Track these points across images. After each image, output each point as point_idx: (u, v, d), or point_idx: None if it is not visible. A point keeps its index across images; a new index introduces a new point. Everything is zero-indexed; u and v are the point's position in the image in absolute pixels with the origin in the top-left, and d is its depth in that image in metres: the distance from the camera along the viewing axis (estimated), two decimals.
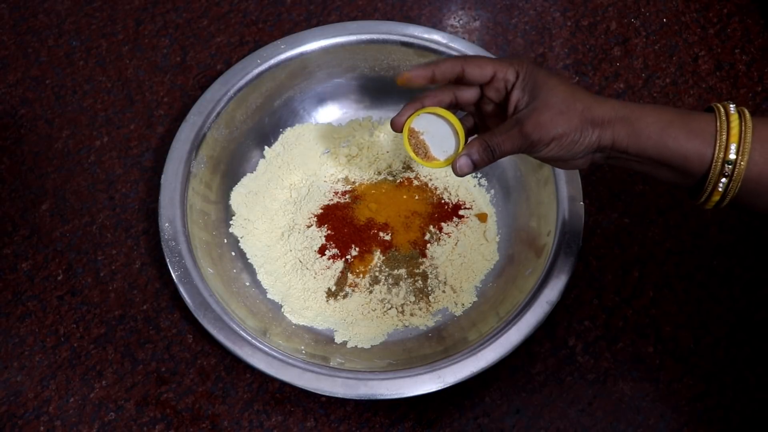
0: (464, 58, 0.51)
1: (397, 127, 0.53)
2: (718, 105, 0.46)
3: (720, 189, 0.45)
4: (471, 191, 0.69)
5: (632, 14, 0.78)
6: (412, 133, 0.53)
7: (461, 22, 0.78)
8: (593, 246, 0.65)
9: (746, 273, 0.64)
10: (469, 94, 0.52)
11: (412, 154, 0.53)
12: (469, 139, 0.54)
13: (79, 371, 0.61)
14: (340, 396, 0.55)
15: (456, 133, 0.52)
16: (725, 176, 0.44)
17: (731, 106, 0.45)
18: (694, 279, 0.64)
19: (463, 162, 0.50)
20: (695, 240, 0.65)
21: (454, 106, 0.53)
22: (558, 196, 0.62)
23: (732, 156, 0.44)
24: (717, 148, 0.44)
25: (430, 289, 0.64)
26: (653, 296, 0.63)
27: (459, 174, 0.51)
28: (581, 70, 0.74)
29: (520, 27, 0.77)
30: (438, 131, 0.52)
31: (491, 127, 0.53)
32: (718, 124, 0.45)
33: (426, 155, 0.53)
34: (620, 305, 0.63)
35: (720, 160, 0.44)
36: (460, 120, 0.53)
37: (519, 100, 0.49)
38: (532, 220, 0.65)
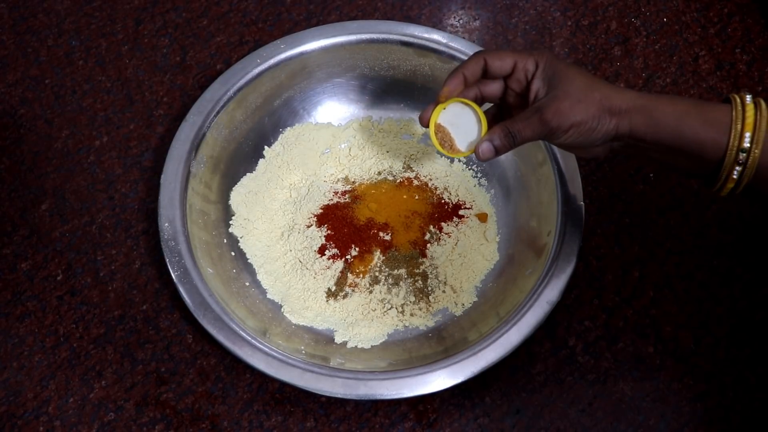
0: (485, 52, 0.53)
1: (424, 122, 0.55)
2: (735, 95, 0.47)
3: (734, 176, 0.46)
4: (471, 191, 0.69)
5: (632, 14, 0.78)
6: (439, 128, 0.55)
7: (461, 21, 0.78)
8: (593, 246, 0.65)
9: (746, 273, 0.64)
10: (493, 88, 0.54)
11: (439, 147, 0.56)
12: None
13: (78, 371, 0.61)
14: (340, 396, 0.55)
15: (479, 121, 0.54)
16: (739, 164, 0.46)
17: (747, 96, 0.47)
18: (694, 279, 0.63)
19: (485, 147, 0.52)
20: (695, 240, 0.65)
21: (479, 101, 0.55)
22: (558, 196, 0.61)
23: (746, 144, 0.45)
24: (732, 136, 0.46)
25: (430, 289, 0.64)
26: (653, 296, 0.63)
27: (481, 159, 0.53)
28: None
29: (521, 27, 0.77)
30: (462, 122, 0.55)
31: (514, 113, 0.55)
32: (733, 113, 0.46)
33: (451, 147, 0.56)
34: (620, 305, 0.63)
35: (734, 149, 0.46)
36: (484, 110, 0.55)
37: (539, 89, 0.50)
38: (532, 220, 0.65)
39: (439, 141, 0.55)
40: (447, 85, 0.53)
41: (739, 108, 0.46)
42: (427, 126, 0.55)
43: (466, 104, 0.54)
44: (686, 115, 0.47)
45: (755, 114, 0.46)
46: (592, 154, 0.51)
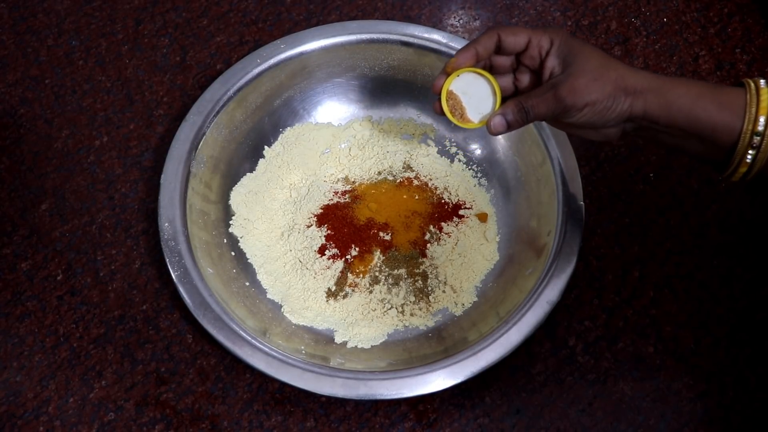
0: (499, 27, 0.52)
1: (436, 89, 0.54)
2: (749, 80, 0.47)
3: (748, 160, 0.46)
4: (471, 191, 0.69)
5: (632, 14, 0.78)
6: (450, 95, 0.54)
7: (461, 21, 0.78)
8: (593, 246, 0.65)
9: (747, 273, 0.64)
10: (503, 60, 0.53)
11: (449, 116, 0.54)
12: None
13: (78, 371, 0.61)
14: (340, 396, 0.55)
15: (493, 93, 0.53)
16: (753, 148, 0.46)
17: (762, 81, 0.47)
18: (694, 279, 0.63)
19: (498, 121, 0.52)
20: (696, 240, 0.65)
21: (489, 70, 0.54)
22: (558, 196, 0.61)
23: (761, 128, 0.45)
24: (746, 120, 0.46)
25: (430, 289, 0.64)
26: (653, 296, 0.63)
27: (493, 132, 0.52)
28: None
29: None
30: (476, 92, 0.53)
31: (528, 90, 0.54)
32: (748, 97, 0.46)
33: (462, 117, 0.54)
34: (620, 305, 0.63)
35: (749, 132, 0.46)
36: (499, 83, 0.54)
37: (554, 66, 0.50)
38: (532, 220, 0.65)
39: (450, 109, 0.54)
40: (458, 56, 0.52)
41: (753, 92, 0.46)
42: (438, 93, 0.54)
43: (481, 74, 0.52)
44: (701, 97, 0.47)
45: None
46: (604, 136, 0.51)
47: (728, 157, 0.47)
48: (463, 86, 0.53)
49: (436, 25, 0.77)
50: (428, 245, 0.66)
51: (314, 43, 0.68)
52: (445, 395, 0.59)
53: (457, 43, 0.68)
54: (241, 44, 0.76)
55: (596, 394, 0.59)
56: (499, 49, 0.52)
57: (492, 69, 0.54)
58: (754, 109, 0.46)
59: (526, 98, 0.50)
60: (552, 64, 0.50)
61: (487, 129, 0.52)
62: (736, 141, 0.46)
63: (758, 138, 0.46)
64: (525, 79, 0.53)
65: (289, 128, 0.71)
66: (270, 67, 0.68)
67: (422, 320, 0.63)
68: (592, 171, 0.68)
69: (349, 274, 0.65)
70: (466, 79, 0.53)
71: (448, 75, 0.53)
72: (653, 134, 0.49)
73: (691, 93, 0.47)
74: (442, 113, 0.54)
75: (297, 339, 0.60)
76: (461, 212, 0.67)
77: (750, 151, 0.46)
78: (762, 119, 0.45)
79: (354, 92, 0.72)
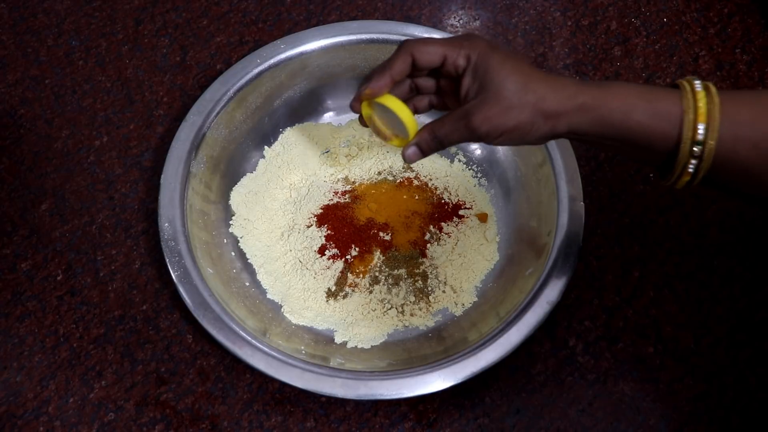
0: (412, 45, 0.49)
1: (354, 110, 0.53)
2: (684, 82, 0.44)
3: (690, 170, 0.43)
4: (471, 191, 0.69)
5: (633, 14, 0.78)
6: (370, 120, 0.54)
7: (461, 21, 0.78)
8: (593, 246, 0.65)
9: (747, 273, 0.64)
10: (428, 83, 0.52)
11: (376, 134, 0.54)
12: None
13: (78, 371, 0.61)
14: (340, 396, 0.55)
15: (407, 121, 0.51)
16: (695, 157, 0.43)
17: (697, 82, 0.43)
18: (694, 279, 0.63)
19: (412, 151, 0.51)
20: (695, 240, 0.65)
21: (413, 93, 0.53)
22: (558, 196, 0.61)
23: (700, 137, 0.42)
24: (684, 129, 0.42)
25: (430, 289, 0.64)
26: (653, 296, 0.63)
27: (407, 162, 0.51)
28: (581, 69, 0.74)
29: (521, 26, 0.77)
30: (392, 116, 0.52)
31: (449, 104, 0.53)
32: (684, 103, 0.43)
33: (385, 137, 0.54)
34: (620, 305, 0.63)
35: (688, 141, 0.42)
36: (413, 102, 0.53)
37: (469, 87, 0.47)
38: (532, 220, 0.65)
39: (374, 130, 0.54)
40: (371, 85, 0.50)
41: (690, 97, 0.43)
42: (357, 113, 0.54)
43: (392, 103, 0.51)
44: (633, 109, 0.43)
45: (707, 103, 0.42)
46: (527, 144, 0.49)
47: (670, 164, 0.44)
48: (380, 112, 0.53)
49: (436, 25, 0.77)
50: (428, 245, 0.66)
51: (314, 43, 0.68)
52: (445, 395, 0.59)
53: None
54: (241, 44, 0.76)
55: (596, 394, 0.59)
56: (415, 67, 0.50)
57: (419, 90, 0.53)
58: (691, 116, 0.42)
59: (440, 126, 0.48)
60: (467, 84, 0.47)
61: (403, 158, 0.51)
62: (674, 150, 0.43)
63: (699, 147, 0.42)
64: (446, 88, 0.52)
65: (289, 128, 0.71)
66: (270, 67, 0.68)
67: (422, 320, 0.63)
68: (592, 171, 0.68)
69: (349, 274, 0.65)
70: (380, 107, 0.52)
71: (361, 100, 0.52)
72: (585, 142, 0.47)
73: (623, 105, 0.44)
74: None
75: (297, 339, 0.60)
76: (461, 212, 0.67)
77: (692, 161, 0.43)
78: (701, 127, 0.42)
79: (354, 92, 0.72)
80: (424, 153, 0.50)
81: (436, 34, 0.68)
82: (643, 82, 0.73)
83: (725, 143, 0.42)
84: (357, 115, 0.72)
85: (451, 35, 0.68)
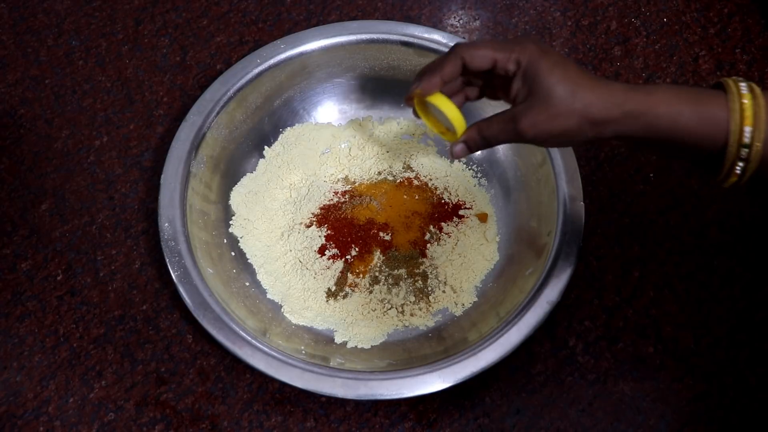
0: (464, 48, 0.50)
1: (408, 105, 0.55)
2: (729, 82, 0.44)
3: (737, 171, 0.44)
4: (471, 191, 0.69)
5: (632, 14, 0.78)
6: (422, 113, 0.56)
7: (461, 21, 0.78)
8: (593, 246, 0.65)
9: (747, 273, 0.64)
10: (479, 76, 0.53)
11: (429, 125, 0.57)
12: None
13: (78, 371, 0.61)
14: (340, 396, 0.55)
15: (455, 120, 0.53)
16: (741, 159, 0.44)
17: (742, 84, 0.44)
18: (694, 279, 0.63)
19: (459, 148, 0.53)
20: (695, 240, 0.65)
21: (466, 83, 0.55)
22: (558, 196, 0.61)
23: (747, 140, 0.43)
24: (732, 133, 0.43)
25: (430, 289, 0.64)
26: (654, 296, 0.63)
27: (455, 157, 0.53)
28: None
29: (521, 26, 0.77)
30: (441, 113, 0.54)
31: (500, 96, 0.54)
32: (730, 106, 0.43)
33: (436, 129, 0.57)
34: (620, 305, 0.63)
35: (735, 145, 0.43)
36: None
37: (519, 90, 0.49)
38: (532, 220, 0.65)
39: (427, 124, 0.57)
40: (422, 85, 0.51)
41: (736, 99, 0.43)
42: (410, 107, 0.56)
43: (443, 103, 0.52)
44: (679, 115, 0.44)
45: (753, 105, 0.43)
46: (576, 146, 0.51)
47: (717, 164, 0.45)
48: (431, 108, 0.55)
49: (436, 25, 0.77)
50: (428, 245, 0.66)
51: (314, 43, 0.68)
52: (445, 395, 0.59)
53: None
54: (241, 44, 0.76)
55: (596, 394, 0.59)
56: (465, 70, 0.51)
57: (469, 81, 0.54)
58: (738, 120, 0.43)
59: (487, 126, 0.50)
60: (517, 87, 0.48)
61: (450, 154, 0.53)
62: (721, 151, 0.44)
63: (746, 150, 0.43)
64: (497, 82, 0.52)
65: (289, 128, 0.71)
66: (270, 67, 0.68)
67: (422, 320, 0.63)
68: (592, 171, 0.68)
69: (349, 274, 0.65)
70: (432, 104, 0.53)
71: (412, 97, 0.54)
72: (630, 145, 0.48)
73: (670, 112, 0.44)
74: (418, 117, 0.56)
75: (297, 339, 0.60)
76: (461, 212, 0.67)
77: (739, 163, 0.44)
78: (747, 131, 0.43)
79: (354, 92, 0.72)
80: (471, 150, 0.52)
81: (437, 34, 0.68)
82: (643, 83, 0.73)
83: None
84: (356, 116, 0.73)
85: (454, 35, 0.68)
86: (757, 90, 0.44)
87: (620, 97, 0.45)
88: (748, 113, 0.43)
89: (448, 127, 0.56)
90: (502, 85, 0.52)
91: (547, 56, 0.47)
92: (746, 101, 0.43)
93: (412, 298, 0.64)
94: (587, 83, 0.46)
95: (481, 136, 0.51)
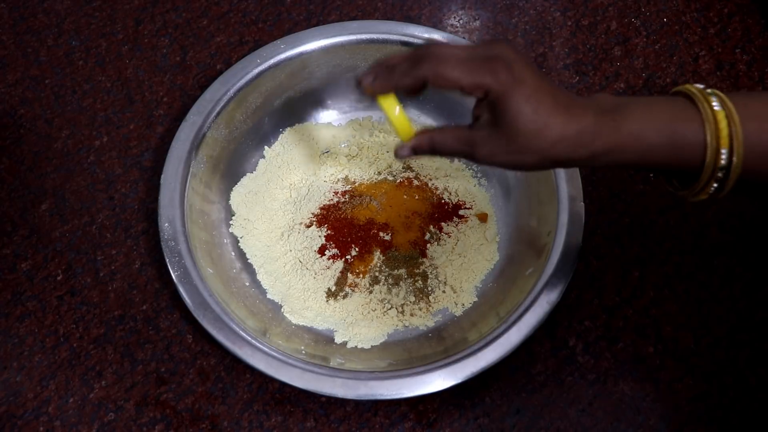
0: (430, 67, 0.44)
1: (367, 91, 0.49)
2: (696, 93, 0.43)
3: (711, 191, 0.44)
4: (471, 191, 0.69)
5: (633, 14, 0.78)
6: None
7: (461, 21, 0.78)
8: (593, 246, 0.65)
9: (747, 273, 0.64)
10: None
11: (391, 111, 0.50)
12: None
13: (78, 371, 0.61)
14: (340, 396, 0.55)
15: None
16: (717, 180, 0.43)
17: (714, 100, 0.42)
18: (694, 279, 0.63)
19: (405, 151, 0.48)
20: (696, 240, 0.65)
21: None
22: (558, 196, 0.61)
23: (723, 162, 0.42)
24: (708, 157, 0.42)
25: (430, 289, 0.64)
26: (654, 296, 0.63)
27: (398, 158, 0.49)
28: (581, 69, 0.74)
29: (521, 26, 0.77)
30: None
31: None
32: (706, 129, 0.42)
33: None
34: (620, 305, 0.63)
35: (710, 168, 0.42)
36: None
37: (482, 114, 0.45)
38: (532, 220, 0.65)
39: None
40: (374, 84, 0.47)
41: (711, 121, 0.42)
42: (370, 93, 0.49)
43: (384, 110, 0.49)
44: (652, 150, 0.43)
45: (728, 125, 0.41)
46: None
47: (690, 180, 0.44)
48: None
49: (436, 25, 0.77)
50: (428, 245, 0.66)
51: (314, 43, 0.68)
52: (445, 395, 0.59)
53: (457, 43, 0.67)
54: (241, 44, 0.76)
55: (596, 394, 0.59)
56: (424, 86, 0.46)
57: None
58: (714, 143, 0.41)
59: (442, 140, 0.47)
60: (481, 111, 0.45)
61: (395, 154, 0.49)
62: (696, 172, 0.43)
63: (722, 172, 0.42)
64: None
65: (289, 128, 0.71)
66: (270, 67, 0.68)
67: (422, 320, 0.63)
68: (592, 171, 0.68)
69: (349, 274, 0.65)
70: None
71: (372, 70, 0.48)
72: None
73: (641, 146, 0.42)
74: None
75: (297, 339, 0.60)
76: (461, 212, 0.67)
77: (714, 184, 0.43)
78: (724, 152, 0.41)
79: (354, 92, 0.72)
80: (416, 155, 0.49)
81: (436, 35, 0.68)
82: (643, 83, 0.73)
83: (750, 161, 0.42)
84: (356, 116, 0.73)
85: (454, 35, 0.68)
86: (730, 105, 0.42)
87: (588, 136, 0.43)
88: (724, 133, 0.41)
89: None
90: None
91: (521, 87, 0.43)
92: (720, 120, 0.42)
93: (412, 298, 0.64)
94: (558, 120, 0.43)
95: (431, 147, 0.47)
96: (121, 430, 0.59)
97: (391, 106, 0.49)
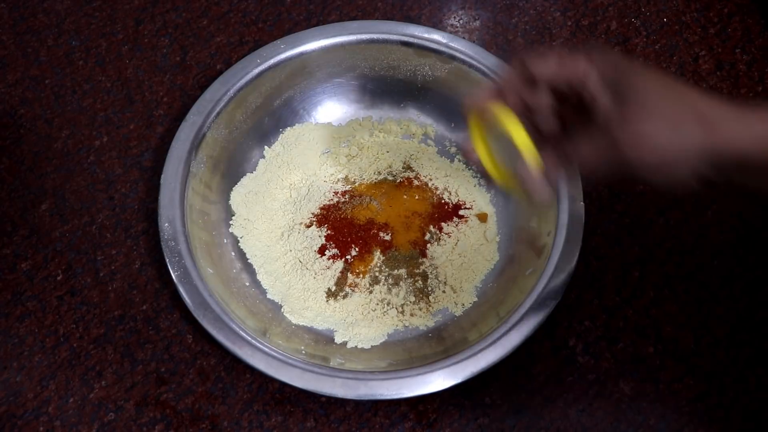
0: (524, 55, 0.42)
1: (467, 109, 0.46)
2: None
3: None
4: (471, 191, 0.69)
5: (632, 14, 0.78)
6: (476, 141, 0.46)
7: (461, 21, 0.78)
8: (593, 246, 0.65)
9: (747, 273, 0.64)
10: (541, 98, 0.44)
11: (477, 148, 0.46)
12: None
13: (78, 371, 0.61)
14: (340, 396, 0.55)
15: (521, 145, 0.42)
16: None
17: None
18: (694, 279, 0.63)
19: (546, 193, 0.43)
20: (696, 240, 0.65)
21: (523, 109, 0.44)
22: (558, 195, 0.61)
23: None
24: None
25: (430, 289, 0.64)
26: (654, 296, 0.63)
27: (546, 201, 0.43)
28: None
29: (521, 27, 0.77)
30: (501, 138, 0.44)
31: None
32: None
33: (486, 165, 0.46)
34: (620, 305, 0.63)
35: None
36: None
37: (607, 104, 0.40)
38: (532, 220, 0.65)
39: (480, 150, 0.46)
40: (476, 98, 0.43)
41: None
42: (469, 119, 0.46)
43: (505, 120, 0.43)
44: None
45: None
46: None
47: None
48: (488, 134, 0.45)
49: (436, 25, 0.77)
50: (428, 245, 0.66)
51: (314, 43, 0.68)
52: (445, 395, 0.59)
53: (457, 44, 0.68)
54: (241, 44, 0.76)
55: (596, 394, 0.59)
56: (530, 80, 0.43)
57: (530, 109, 0.44)
58: None
59: (574, 149, 0.40)
60: (605, 100, 0.39)
61: (535, 199, 0.42)
62: None
63: None
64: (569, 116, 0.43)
65: (289, 128, 0.71)
66: (270, 67, 0.68)
67: (422, 320, 0.63)
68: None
69: (349, 274, 0.65)
70: (493, 127, 0.44)
71: (470, 113, 0.45)
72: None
73: None
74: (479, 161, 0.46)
75: (297, 339, 0.60)
76: (461, 212, 0.67)
77: None
78: None
79: (354, 92, 0.72)
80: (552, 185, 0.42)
81: (436, 35, 0.68)
82: None
83: None
84: (356, 116, 0.73)
85: (454, 35, 0.68)
86: None
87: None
88: None
89: (503, 162, 0.46)
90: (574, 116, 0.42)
91: (635, 63, 0.39)
92: None
93: (412, 298, 0.64)
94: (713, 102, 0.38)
95: (565, 163, 0.40)
96: (121, 430, 0.59)
97: (510, 118, 0.42)
